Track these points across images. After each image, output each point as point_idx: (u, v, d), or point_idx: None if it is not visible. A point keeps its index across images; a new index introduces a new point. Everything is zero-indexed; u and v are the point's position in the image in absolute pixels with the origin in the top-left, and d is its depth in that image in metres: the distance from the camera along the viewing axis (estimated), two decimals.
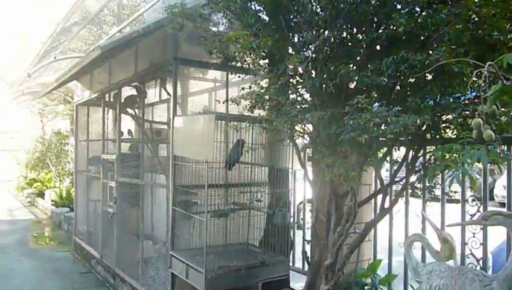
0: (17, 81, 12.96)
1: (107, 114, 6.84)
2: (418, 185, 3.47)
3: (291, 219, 5.01)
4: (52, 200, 12.66)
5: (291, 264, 5.03)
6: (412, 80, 2.92)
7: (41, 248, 8.82)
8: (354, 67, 2.95)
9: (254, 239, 4.91)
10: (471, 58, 2.66)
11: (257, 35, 3.27)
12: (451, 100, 2.97)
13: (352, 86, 3.14)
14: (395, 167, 3.66)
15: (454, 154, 2.39)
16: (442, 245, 3.00)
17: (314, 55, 3.12)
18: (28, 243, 9.27)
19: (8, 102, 16.53)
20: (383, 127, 2.76)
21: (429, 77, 2.91)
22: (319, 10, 3.11)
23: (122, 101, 6.20)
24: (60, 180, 13.71)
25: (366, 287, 4.20)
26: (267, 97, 3.27)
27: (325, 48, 3.03)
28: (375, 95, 3.04)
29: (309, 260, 4.05)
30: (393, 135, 2.81)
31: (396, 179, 3.57)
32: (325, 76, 2.98)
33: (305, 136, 3.37)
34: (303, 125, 3.29)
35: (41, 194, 14.36)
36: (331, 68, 3.05)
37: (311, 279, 3.84)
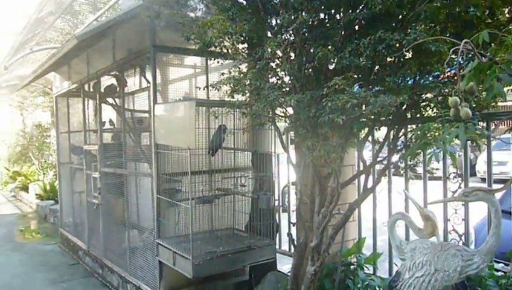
0: None
1: (87, 104, 6.74)
2: (400, 164, 3.50)
3: (276, 203, 5.04)
4: (36, 194, 12.52)
5: (277, 247, 5.06)
6: (390, 60, 2.92)
7: (28, 242, 8.74)
8: (333, 49, 2.93)
9: (240, 224, 4.93)
10: (448, 36, 2.66)
11: (234, 20, 3.23)
12: (430, 79, 2.99)
13: (331, 67, 3.13)
14: (377, 147, 3.69)
15: (434, 133, 2.41)
16: (425, 222, 3.03)
17: (292, 38, 3.09)
18: (14, 237, 9.18)
19: None
20: (363, 108, 2.76)
21: (408, 56, 2.92)
22: None
23: (102, 90, 6.12)
24: (44, 173, 13.55)
25: (351, 267, 4.25)
26: (247, 82, 3.25)
27: (303, 30, 3.00)
28: (355, 76, 3.04)
29: (295, 242, 4.07)
30: (372, 115, 2.81)
31: (378, 159, 3.59)
32: (303, 59, 2.96)
33: (286, 119, 3.36)
34: (284, 109, 3.27)
35: (25, 188, 14.18)
36: (310, 50, 3.04)
37: (297, 261, 3.87)
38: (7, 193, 15.73)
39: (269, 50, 2.94)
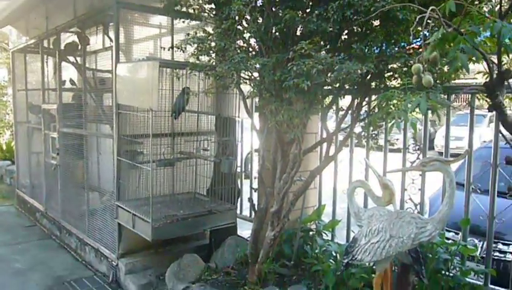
0: None
1: (47, 62, 6.46)
2: (363, 134, 3.54)
3: (239, 168, 5.04)
4: None
5: (238, 212, 5.10)
6: (357, 27, 2.90)
7: None
8: (301, 13, 2.88)
9: (202, 188, 4.91)
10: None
11: None
12: (396, 49, 2.99)
13: (299, 33, 3.09)
14: (340, 116, 3.71)
15: (396, 101, 2.42)
16: (383, 191, 3.09)
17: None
18: None
19: None
20: (329, 75, 2.74)
21: (375, 24, 2.91)
22: None
23: (62, 48, 5.86)
24: (0, 133, 13.06)
25: (310, 233, 4.33)
26: (213, 44, 3.17)
27: None
28: (322, 43, 3.01)
29: (255, 207, 4.10)
30: (337, 82, 2.80)
31: (341, 128, 3.62)
32: (271, 21, 2.90)
33: (251, 83, 3.31)
34: (249, 72, 3.22)
35: None
36: (278, 13, 2.98)
37: (257, 226, 3.90)
38: None
39: (236, 10, 2.85)
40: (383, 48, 2.90)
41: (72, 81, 6.21)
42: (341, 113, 3.70)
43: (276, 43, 2.96)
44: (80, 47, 5.61)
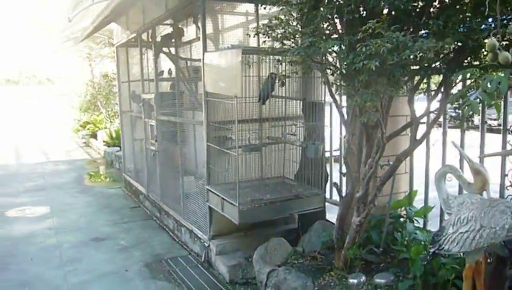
0: (60, 27, 13.16)
1: (146, 54, 6.87)
2: (453, 114, 3.31)
3: (328, 153, 4.99)
4: (103, 141, 13.21)
5: (328, 196, 5.06)
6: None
7: (95, 185, 9.34)
8: None
9: (290, 173, 4.94)
10: None
11: None
12: (490, 22, 2.73)
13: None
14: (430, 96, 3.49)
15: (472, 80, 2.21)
16: (474, 177, 2.88)
17: None
18: (83, 180, 9.83)
19: (56, 48, 16.89)
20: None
21: None
22: None
23: (159, 40, 6.19)
24: (111, 121, 14.22)
25: (401, 219, 4.17)
26: (280, 30, 3.14)
27: None
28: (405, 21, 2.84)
29: (341, 192, 4.03)
30: (420, 61, 2.63)
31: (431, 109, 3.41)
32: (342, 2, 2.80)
33: (326, 67, 3.22)
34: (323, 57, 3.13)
35: (94, 135, 15.00)
36: None
37: (342, 211, 3.85)
38: (78, 140, 16.73)
39: None
40: (472, 22, 2.66)
41: (169, 72, 6.55)
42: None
43: (349, 24, 2.83)
44: (173, 38, 5.89)
